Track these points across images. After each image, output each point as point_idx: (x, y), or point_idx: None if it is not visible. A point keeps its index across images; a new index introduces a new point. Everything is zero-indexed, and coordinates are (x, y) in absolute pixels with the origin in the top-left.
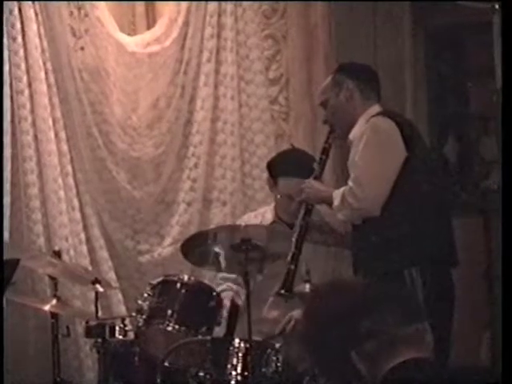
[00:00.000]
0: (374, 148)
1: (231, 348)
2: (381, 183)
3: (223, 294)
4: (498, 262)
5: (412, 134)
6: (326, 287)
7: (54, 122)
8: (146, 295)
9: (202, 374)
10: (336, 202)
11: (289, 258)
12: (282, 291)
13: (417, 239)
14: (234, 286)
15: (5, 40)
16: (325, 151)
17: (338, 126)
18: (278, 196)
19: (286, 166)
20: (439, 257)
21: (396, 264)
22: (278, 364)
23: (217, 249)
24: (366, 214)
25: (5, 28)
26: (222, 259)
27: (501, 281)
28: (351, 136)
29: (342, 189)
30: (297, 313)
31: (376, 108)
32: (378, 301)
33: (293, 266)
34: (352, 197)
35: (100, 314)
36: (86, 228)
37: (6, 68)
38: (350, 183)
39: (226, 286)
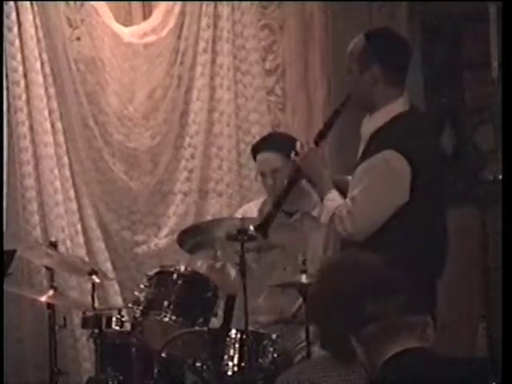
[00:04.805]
0: (378, 187)
1: (228, 339)
2: (373, 222)
3: None
4: (498, 251)
5: (421, 173)
6: (337, 264)
7: (50, 112)
8: (142, 286)
9: (198, 364)
10: (324, 217)
11: (272, 204)
12: (254, 229)
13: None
14: None
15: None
16: (336, 113)
17: (355, 101)
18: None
19: (261, 142)
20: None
21: None
22: (275, 355)
23: (213, 238)
24: (349, 239)
25: (4, 26)
26: (218, 248)
27: (500, 270)
28: (364, 129)
29: (334, 205)
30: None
31: (399, 105)
32: (384, 285)
33: (274, 210)
34: (341, 224)
35: (97, 304)
36: (82, 219)
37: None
38: (344, 210)
39: None
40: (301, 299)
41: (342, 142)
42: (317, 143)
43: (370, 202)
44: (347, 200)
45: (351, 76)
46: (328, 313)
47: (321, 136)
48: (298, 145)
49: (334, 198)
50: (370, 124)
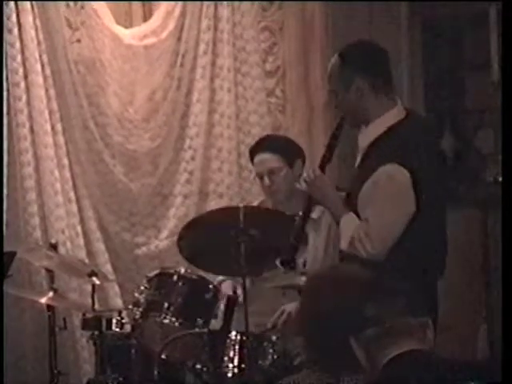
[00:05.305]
0: (387, 205)
1: (228, 340)
2: (390, 238)
3: (224, 284)
4: (497, 254)
5: (422, 178)
6: (327, 273)
7: (51, 114)
8: (142, 288)
9: (198, 366)
10: (343, 243)
11: (293, 236)
12: (280, 264)
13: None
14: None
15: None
16: (334, 137)
17: (349, 119)
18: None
19: (258, 143)
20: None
21: None
22: (275, 356)
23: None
24: (371, 259)
25: (5, 27)
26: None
27: (500, 271)
28: (360, 140)
29: (351, 228)
30: (289, 306)
31: (393, 115)
32: (383, 290)
33: (295, 242)
34: (361, 247)
35: (96, 306)
36: (82, 221)
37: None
38: (361, 232)
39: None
40: (280, 309)
41: (340, 152)
42: (322, 169)
43: (384, 221)
44: (362, 222)
45: (338, 97)
46: (316, 327)
47: (324, 162)
48: (304, 173)
49: (348, 220)
50: (367, 135)
